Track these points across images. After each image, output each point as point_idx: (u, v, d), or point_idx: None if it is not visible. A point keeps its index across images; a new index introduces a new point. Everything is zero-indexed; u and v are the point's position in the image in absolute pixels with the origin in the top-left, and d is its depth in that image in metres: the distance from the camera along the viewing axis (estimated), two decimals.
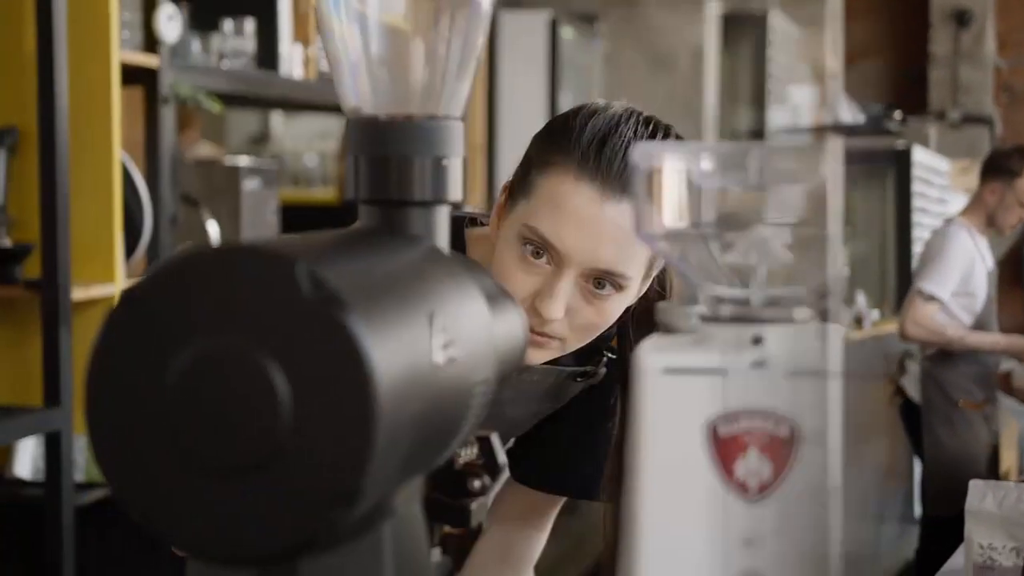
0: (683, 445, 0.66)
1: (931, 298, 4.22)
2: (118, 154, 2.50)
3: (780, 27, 7.40)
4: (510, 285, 1.26)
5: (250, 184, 3.18)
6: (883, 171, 6.93)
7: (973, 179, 8.31)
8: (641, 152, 0.69)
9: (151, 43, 2.69)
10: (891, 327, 6.32)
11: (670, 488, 0.67)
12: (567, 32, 5.11)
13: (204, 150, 4.75)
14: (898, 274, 7.14)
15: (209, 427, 0.60)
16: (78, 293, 2.40)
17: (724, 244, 0.69)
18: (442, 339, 0.68)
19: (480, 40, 0.81)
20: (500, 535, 1.55)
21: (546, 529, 1.57)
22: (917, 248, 7.10)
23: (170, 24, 2.67)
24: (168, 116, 2.70)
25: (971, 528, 1.91)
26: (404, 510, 0.71)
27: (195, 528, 0.61)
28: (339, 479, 0.60)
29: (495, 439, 0.86)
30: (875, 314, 6.04)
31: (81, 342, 2.35)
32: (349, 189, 0.78)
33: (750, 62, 7.18)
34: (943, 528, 4.36)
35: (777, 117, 5.73)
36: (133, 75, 2.66)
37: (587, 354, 1.43)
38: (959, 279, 4.26)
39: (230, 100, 3.33)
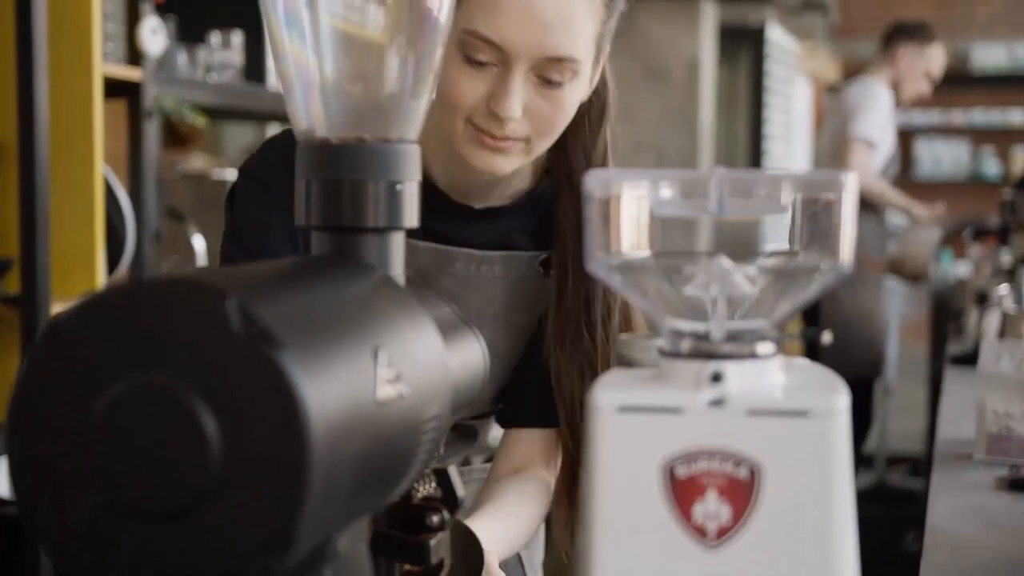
0: (639, 486, 0.63)
1: (870, 144, 4.19)
2: (100, 168, 2.47)
3: (777, 39, 7.38)
4: (458, 96, 1.24)
5: None
6: (735, 47, 6.90)
7: (819, 63, 8.29)
8: (596, 179, 0.66)
9: (135, 56, 2.66)
10: None
11: (625, 531, 0.64)
12: None
13: (197, 162, 4.73)
14: (751, 156, 7.09)
15: (135, 468, 0.57)
16: (58, 309, 2.37)
17: (684, 275, 0.66)
18: (388, 374, 0.65)
19: (437, 58, 0.78)
20: (512, 478, 1.42)
21: (554, 468, 1.45)
22: (768, 129, 7.12)
23: (154, 37, 2.64)
24: (152, 130, 2.67)
25: (985, 394, 1.78)
26: (348, 552, 0.67)
27: (120, 574, 0.58)
28: (271, 524, 0.56)
29: (453, 472, 0.83)
30: None
31: None
32: (301, 215, 0.76)
33: (747, 74, 7.16)
34: None
35: None
36: (117, 88, 2.63)
37: (545, 239, 1.40)
38: (882, 130, 4.26)
39: (217, 113, 3.30)
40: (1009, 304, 2.86)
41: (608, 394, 0.64)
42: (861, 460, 5.48)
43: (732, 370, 0.64)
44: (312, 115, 0.76)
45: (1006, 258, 4.11)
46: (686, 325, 0.67)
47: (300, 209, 0.75)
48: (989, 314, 2.93)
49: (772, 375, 0.66)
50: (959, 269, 5.64)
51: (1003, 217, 4.33)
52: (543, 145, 1.28)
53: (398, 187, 0.75)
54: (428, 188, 1.35)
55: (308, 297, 0.64)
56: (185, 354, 0.57)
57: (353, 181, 0.74)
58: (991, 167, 9.78)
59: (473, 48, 1.22)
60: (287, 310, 0.59)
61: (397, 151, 0.75)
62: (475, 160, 1.27)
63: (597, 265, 0.66)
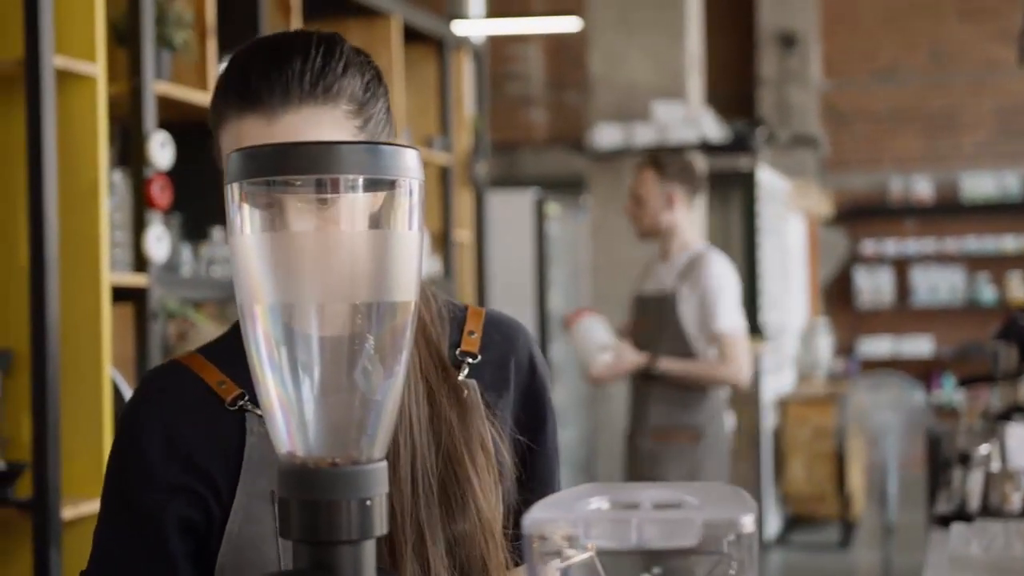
0: None
1: None
2: (108, 372, 2.59)
3: (768, 181, 7.55)
4: None
5: None
6: (727, 191, 7.02)
7: (808, 199, 8.45)
8: (531, 521, 0.76)
9: (142, 262, 2.79)
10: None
11: None
12: (552, 208, 5.25)
13: (208, 329, 4.84)
14: (747, 295, 7.16)
15: None
16: (69, 512, 2.46)
17: None
18: None
19: (399, 389, 0.89)
20: None
21: None
22: (763, 268, 7.19)
23: (159, 244, 2.77)
24: (157, 331, 2.80)
25: None
26: None
27: None
28: None
29: None
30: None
31: (72, 562, 2.41)
32: (283, 528, 0.86)
33: (740, 216, 7.32)
34: None
35: (642, 134, 5.75)
36: (124, 293, 2.76)
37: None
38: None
39: (224, 303, 3.42)
40: (994, 464, 2.91)
41: None
42: None
43: None
44: (293, 440, 0.87)
45: (996, 402, 4.17)
46: None
47: (282, 524, 0.86)
48: (972, 474, 2.98)
49: None
50: (957, 397, 5.68)
51: (990, 367, 4.41)
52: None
53: (368, 503, 0.86)
54: None
55: None
56: None
57: (328, 501, 0.85)
58: (987, 293, 9.92)
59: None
60: None
61: (366, 472, 0.86)
62: None
63: None
